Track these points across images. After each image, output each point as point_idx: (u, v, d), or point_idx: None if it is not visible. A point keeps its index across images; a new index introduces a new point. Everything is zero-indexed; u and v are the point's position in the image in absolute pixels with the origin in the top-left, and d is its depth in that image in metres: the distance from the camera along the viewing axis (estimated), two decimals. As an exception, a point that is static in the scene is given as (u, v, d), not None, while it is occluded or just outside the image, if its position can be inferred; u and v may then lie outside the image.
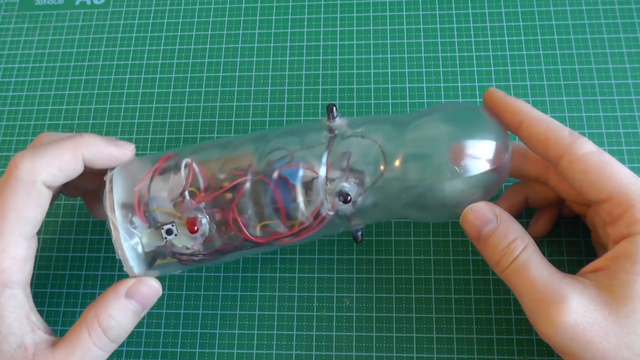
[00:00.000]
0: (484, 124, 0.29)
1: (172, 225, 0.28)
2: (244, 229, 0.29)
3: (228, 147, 0.31)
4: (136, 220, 0.28)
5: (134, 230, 0.28)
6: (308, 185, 0.29)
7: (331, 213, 0.29)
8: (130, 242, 0.28)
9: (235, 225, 0.29)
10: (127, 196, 0.29)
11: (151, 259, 0.30)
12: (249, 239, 0.29)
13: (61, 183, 0.29)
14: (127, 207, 0.29)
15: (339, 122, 0.31)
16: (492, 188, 0.29)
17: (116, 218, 0.28)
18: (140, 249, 0.29)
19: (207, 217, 0.29)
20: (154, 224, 0.29)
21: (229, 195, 0.29)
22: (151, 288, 0.29)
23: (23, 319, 0.27)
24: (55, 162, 0.28)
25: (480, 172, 0.28)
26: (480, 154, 0.28)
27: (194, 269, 0.37)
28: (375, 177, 0.29)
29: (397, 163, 0.29)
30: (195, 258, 0.30)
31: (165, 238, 0.28)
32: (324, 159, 0.29)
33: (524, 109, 0.29)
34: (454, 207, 0.29)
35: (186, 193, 0.29)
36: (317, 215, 0.29)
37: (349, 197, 0.28)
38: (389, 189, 0.29)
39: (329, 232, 0.31)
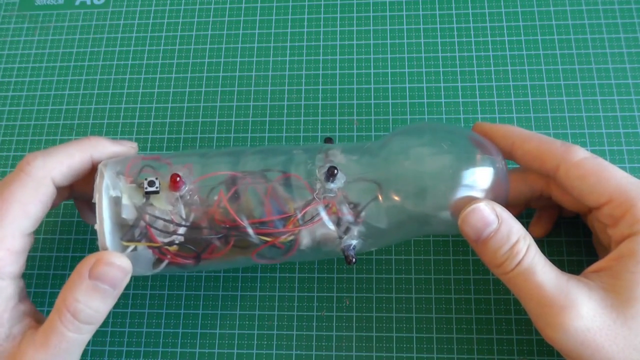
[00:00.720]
0: (480, 156, 0.29)
1: (156, 179, 0.28)
2: (231, 211, 0.28)
3: (218, 156, 0.31)
4: (122, 178, 0.29)
5: (119, 182, 0.28)
6: (302, 193, 0.29)
7: (324, 211, 0.29)
8: (111, 192, 0.28)
9: (221, 219, 0.28)
10: (120, 169, 0.29)
11: (124, 235, 0.28)
12: (234, 224, 0.28)
13: (69, 182, 0.30)
14: (118, 172, 0.29)
15: (334, 151, 0.31)
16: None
17: (106, 169, 0.29)
18: (117, 194, 0.28)
19: (192, 185, 0.29)
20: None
21: (216, 197, 0.29)
22: (114, 267, 0.27)
23: (12, 310, 0.28)
24: (65, 161, 0.29)
25: (479, 197, 0.28)
26: (479, 188, 0.28)
27: (192, 272, 0.37)
28: (370, 200, 0.29)
29: (395, 197, 0.29)
30: (171, 231, 0.28)
31: (146, 188, 0.28)
32: (317, 174, 0.29)
33: (513, 131, 0.30)
34: (453, 228, 0.28)
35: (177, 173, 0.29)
36: (306, 205, 0.28)
37: (335, 171, 0.28)
38: (384, 217, 0.29)
39: (323, 248, 0.30)
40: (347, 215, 0.29)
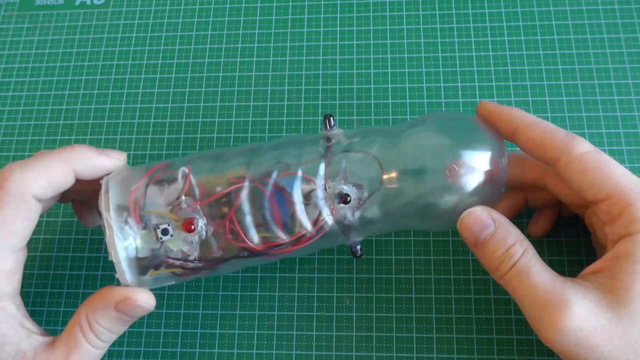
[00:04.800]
0: (479, 135, 0.29)
1: (168, 225, 0.28)
2: (242, 234, 0.28)
3: (224, 159, 0.31)
4: (131, 221, 0.28)
5: (129, 230, 0.28)
6: (306, 194, 0.29)
7: (330, 220, 0.29)
8: (124, 243, 0.28)
9: (232, 232, 0.29)
10: (123, 199, 0.29)
11: (144, 269, 0.29)
12: (246, 246, 0.29)
13: (51, 196, 0.29)
14: (122, 208, 0.28)
15: (335, 131, 0.31)
16: (489, 198, 0.29)
17: (111, 217, 0.28)
18: (133, 249, 0.28)
19: (204, 219, 0.28)
20: (148, 226, 0.28)
21: (225, 209, 0.29)
22: (139, 308, 0.28)
23: (17, 328, 0.28)
24: (45, 175, 0.28)
25: (477, 185, 0.28)
26: (476, 166, 0.28)
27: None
28: (374, 189, 0.29)
29: (394, 176, 0.29)
30: (190, 265, 0.29)
31: (161, 238, 0.28)
32: (322, 167, 0.29)
33: (519, 115, 0.29)
34: (452, 218, 0.28)
35: (183, 197, 0.29)
36: (316, 222, 0.29)
37: (348, 198, 0.28)
38: (386, 201, 0.29)
39: (328, 244, 0.31)
40: (352, 218, 0.29)
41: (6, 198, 0.27)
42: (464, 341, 0.34)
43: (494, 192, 0.29)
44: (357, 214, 0.29)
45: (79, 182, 0.30)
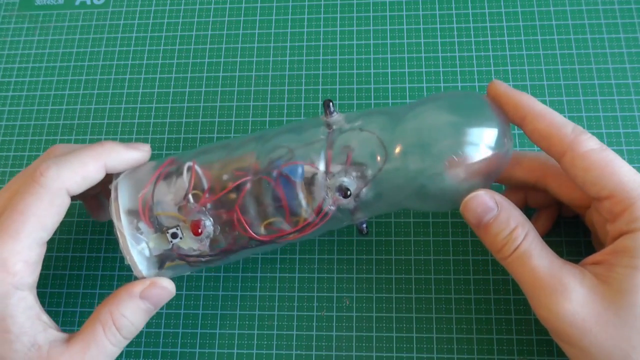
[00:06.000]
0: (483, 112, 0.29)
1: (177, 229, 0.29)
2: (248, 228, 0.29)
3: (229, 148, 0.31)
4: (142, 225, 0.29)
5: (141, 236, 0.29)
6: (309, 182, 0.29)
7: (333, 208, 0.29)
8: (138, 248, 0.29)
9: (239, 225, 0.29)
10: (133, 203, 0.29)
11: (160, 262, 0.30)
12: (253, 238, 0.29)
13: (83, 191, 0.30)
14: (133, 214, 0.29)
15: (336, 117, 0.31)
16: (492, 176, 0.29)
17: (122, 225, 0.29)
18: (147, 252, 0.29)
19: (211, 219, 0.29)
20: (159, 229, 0.29)
21: (232, 196, 0.29)
22: (164, 290, 0.30)
23: (34, 319, 0.28)
24: (79, 170, 0.29)
25: (480, 160, 0.28)
26: (479, 142, 0.28)
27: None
28: (376, 170, 0.29)
29: (397, 154, 0.29)
30: (202, 259, 0.30)
31: (171, 242, 0.29)
32: (324, 154, 0.29)
33: (528, 103, 0.29)
34: (454, 197, 0.29)
35: (190, 196, 0.29)
36: (319, 211, 0.29)
37: (348, 192, 0.28)
38: (390, 180, 0.29)
39: (333, 226, 0.31)
40: (355, 202, 0.29)
41: (42, 191, 0.28)
42: (464, 341, 0.34)
43: (495, 168, 0.29)
44: (363, 192, 0.29)
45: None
